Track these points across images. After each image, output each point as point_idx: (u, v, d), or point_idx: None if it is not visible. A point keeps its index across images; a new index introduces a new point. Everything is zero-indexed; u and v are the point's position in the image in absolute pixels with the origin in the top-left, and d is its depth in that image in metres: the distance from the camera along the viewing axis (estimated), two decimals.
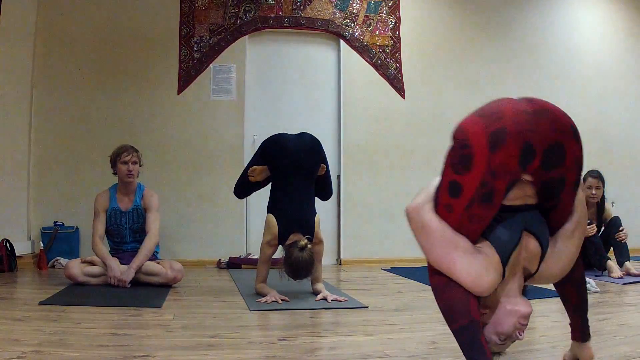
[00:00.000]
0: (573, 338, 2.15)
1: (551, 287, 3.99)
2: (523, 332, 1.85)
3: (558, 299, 3.66)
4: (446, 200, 1.78)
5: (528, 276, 1.91)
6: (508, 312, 1.83)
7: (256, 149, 4.02)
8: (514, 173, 1.74)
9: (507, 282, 1.83)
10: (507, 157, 1.70)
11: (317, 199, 3.95)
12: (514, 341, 1.91)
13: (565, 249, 1.89)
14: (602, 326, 2.85)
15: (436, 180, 1.86)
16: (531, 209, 1.85)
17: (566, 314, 2.45)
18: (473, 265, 1.75)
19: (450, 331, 1.78)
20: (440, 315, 2.06)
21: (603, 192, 4.85)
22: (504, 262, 1.79)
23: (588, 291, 3.81)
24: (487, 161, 1.69)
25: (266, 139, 3.94)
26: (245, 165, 3.96)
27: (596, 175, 4.83)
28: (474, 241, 1.80)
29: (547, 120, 1.76)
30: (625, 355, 2.28)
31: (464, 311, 1.74)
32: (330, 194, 4.07)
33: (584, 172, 4.85)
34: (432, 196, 1.84)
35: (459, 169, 1.74)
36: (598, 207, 4.88)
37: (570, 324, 2.15)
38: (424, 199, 1.85)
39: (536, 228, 1.84)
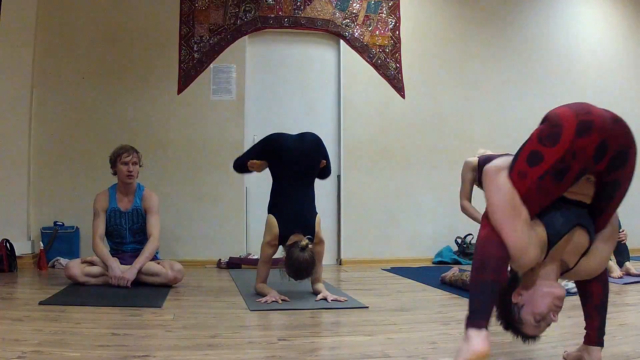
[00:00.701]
0: (587, 342, 2.16)
1: None
2: (557, 313, 1.99)
3: None
4: (523, 167, 1.93)
5: (565, 270, 2.06)
6: (545, 293, 1.98)
7: (256, 140, 4.01)
8: (588, 162, 1.92)
9: (546, 266, 2.00)
10: (588, 145, 1.89)
11: (316, 199, 3.95)
12: (549, 324, 2.02)
13: (602, 250, 2.07)
14: None
15: (505, 156, 2.06)
16: (585, 207, 2.04)
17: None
18: (525, 237, 1.90)
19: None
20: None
21: None
22: (552, 243, 1.96)
23: None
24: (572, 142, 1.88)
25: (268, 137, 3.92)
26: (246, 150, 3.92)
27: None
28: (532, 215, 1.95)
29: (622, 128, 1.96)
30: (625, 355, 2.28)
31: (495, 268, 1.88)
32: (329, 174, 4.06)
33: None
34: (508, 164, 1.98)
35: (545, 142, 1.92)
36: None
37: (587, 327, 2.18)
38: (502, 164, 2.00)
39: (589, 224, 2.02)
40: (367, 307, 3.35)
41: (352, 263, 5.58)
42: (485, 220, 1.97)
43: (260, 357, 2.31)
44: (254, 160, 3.89)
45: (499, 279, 1.88)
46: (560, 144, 1.89)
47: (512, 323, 2.08)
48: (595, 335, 2.15)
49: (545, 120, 1.99)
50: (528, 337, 2.08)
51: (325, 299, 3.53)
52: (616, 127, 1.95)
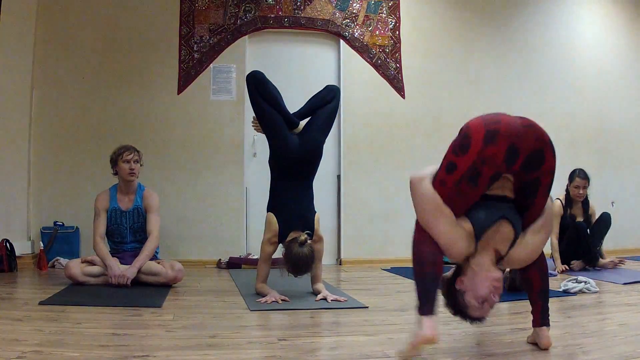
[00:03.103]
0: (533, 325, 2.41)
1: (550, 288, 3.99)
2: (497, 294, 2.24)
3: (557, 300, 3.68)
4: (442, 176, 2.23)
5: (499, 258, 2.29)
6: (484, 277, 2.24)
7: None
8: (500, 167, 2.19)
9: (480, 255, 2.26)
10: (496, 152, 2.15)
11: (316, 199, 3.95)
12: (492, 306, 2.27)
13: (532, 242, 2.31)
14: (602, 326, 2.85)
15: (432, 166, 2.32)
16: (509, 201, 2.28)
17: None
18: (451, 231, 2.21)
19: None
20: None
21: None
22: (477, 237, 2.23)
23: (588, 291, 3.82)
24: (480, 150, 2.15)
25: (275, 122, 3.79)
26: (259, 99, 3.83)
27: (583, 176, 5.05)
28: (457, 214, 2.22)
29: (532, 133, 2.21)
30: (625, 355, 2.27)
31: (431, 261, 2.20)
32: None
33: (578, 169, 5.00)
34: (432, 173, 2.28)
35: (457, 151, 2.20)
36: (583, 205, 5.11)
37: (532, 311, 2.42)
38: (425, 173, 2.29)
39: (513, 217, 2.26)
40: (367, 307, 3.35)
41: (352, 263, 5.58)
42: (417, 224, 2.29)
43: (260, 357, 2.31)
44: (258, 125, 3.94)
45: (435, 269, 2.20)
46: (470, 153, 2.16)
47: (459, 308, 2.34)
48: (539, 317, 2.39)
49: (460, 131, 2.25)
50: (475, 319, 2.33)
51: (325, 299, 3.53)
52: (526, 132, 2.19)
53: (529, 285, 2.43)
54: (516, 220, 2.27)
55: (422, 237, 2.25)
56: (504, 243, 2.27)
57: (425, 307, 2.16)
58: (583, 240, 4.87)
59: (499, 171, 2.20)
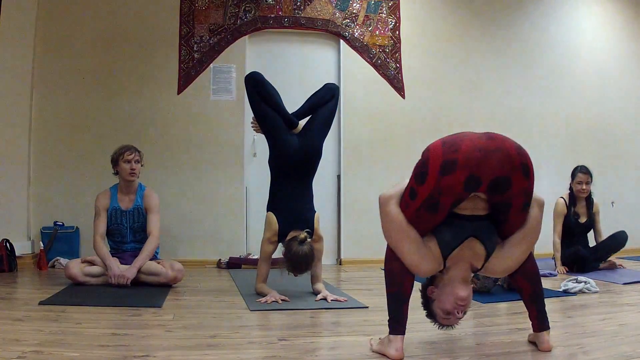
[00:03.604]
0: (534, 329, 2.43)
1: (550, 288, 4.00)
2: (461, 311, 2.29)
3: (557, 300, 3.68)
4: (407, 199, 2.24)
5: (475, 270, 2.32)
6: (449, 292, 2.29)
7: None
8: (459, 194, 2.17)
9: (452, 270, 2.29)
10: (454, 182, 2.13)
11: (316, 199, 3.95)
12: (459, 319, 2.34)
13: (510, 253, 2.30)
14: (602, 326, 2.85)
15: (407, 179, 2.31)
16: (482, 219, 2.26)
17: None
18: (416, 252, 2.24)
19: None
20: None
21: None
22: (445, 256, 2.25)
23: (588, 291, 3.82)
24: (437, 181, 2.14)
25: (275, 123, 3.80)
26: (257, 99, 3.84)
27: (585, 171, 5.03)
28: (423, 234, 2.25)
29: (497, 158, 2.13)
30: (625, 355, 2.27)
31: (397, 282, 2.28)
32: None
33: (579, 164, 5.05)
34: (400, 192, 2.29)
35: (417, 180, 2.21)
36: (587, 201, 5.09)
37: (529, 316, 2.44)
38: (394, 193, 2.30)
39: (483, 235, 2.25)
40: (367, 307, 3.35)
41: (352, 263, 5.58)
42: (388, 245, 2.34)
43: (260, 357, 2.31)
44: (257, 125, 3.94)
45: (402, 288, 2.28)
46: (427, 183, 2.16)
47: (429, 313, 2.41)
48: (536, 322, 2.41)
49: (422, 155, 2.25)
50: (442, 326, 2.40)
51: (325, 299, 3.53)
52: (489, 159, 2.12)
53: (519, 291, 2.44)
54: (487, 238, 2.26)
55: (391, 256, 2.31)
56: (477, 258, 2.28)
57: (395, 325, 2.29)
58: (584, 264, 4.82)
59: (459, 198, 2.18)
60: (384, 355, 2.29)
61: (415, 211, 2.21)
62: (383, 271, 2.36)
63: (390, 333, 2.30)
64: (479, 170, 2.12)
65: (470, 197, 2.20)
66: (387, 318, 2.32)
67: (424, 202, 2.18)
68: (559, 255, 4.98)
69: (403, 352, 2.26)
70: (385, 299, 2.35)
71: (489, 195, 2.19)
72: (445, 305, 2.29)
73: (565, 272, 4.83)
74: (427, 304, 2.40)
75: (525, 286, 2.39)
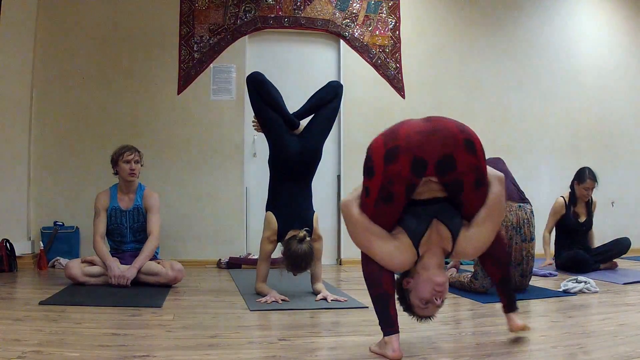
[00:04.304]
0: (504, 311, 2.57)
1: (550, 288, 4.00)
2: (440, 298, 2.28)
3: (557, 300, 3.68)
4: (363, 199, 2.28)
5: (447, 254, 2.33)
6: (425, 280, 2.27)
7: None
8: (409, 179, 2.19)
9: (425, 258, 2.28)
10: (400, 168, 2.17)
11: (316, 200, 3.95)
12: (438, 307, 2.32)
13: (477, 233, 2.29)
14: (602, 326, 2.85)
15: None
16: (442, 201, 2.28)
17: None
18: (386, 247, 2.25)
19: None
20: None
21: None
22: (416, 244, 2.26)
23: (588, 291, 3.82)
24: (383, 171, 2.18)
25: (274, 122, 3.79)
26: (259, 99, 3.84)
27: (594, 177, 5.06)
28: (388, 230, 2.27)
29: (437, 138, 2.19)
30: (625, 355, 2.28)
31: (377, 283, 2.28)
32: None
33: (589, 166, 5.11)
34: (358, 195, 2.32)
35: (366, 176, 2.25)
36: (587, 203, 5.14)
37: (500, 299, 2.58)
38: (352, 197, 2.34)
39: (445, 216, 2.27)
40: (367, 307, 3.33)
41: (352, 263, 5.57)
42: None
43: (260, 357, 2.31)
44: (258, 125, 3.93)
45: (383, 288, 2.28)
46: (375, 176, 2.21)
47: (407, 306, 2.38)
48: (506, 304, 2.55)
49: (366, 152, 2.28)
50: (422, 317, 2.38)
51: (325, 299, 3.53)
52: (430, 139, 2.18)
53: (490, 276, 2.57)
54: (449, 218, 2.27)
55: (366, 259, 2.32)
56: (446, 241, 2.28)
57: (387, 327, 2.29)
58: (584, 267, 4.81)
59: (411, 183, 2.20)
60: (383, 356, 2.29)
61: (374, 207, 2.24)
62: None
63: (384, 335, 2.29)
64: (422, 152, 2.17)
65: (424, 182, 2.22)
66: (379, 322, 2.31)
67: (378, 196, 2.21)
68: (548, 248, 5.04)
69: (401, 351, 2.25)
70: (373, 303, 2.34)
71: (439, 176, 2.21)
72: (423, 294, 2.27)
73: (550, 264, 4.90)
74: (404, 297, 2.37)
75: (494, 272, 2.51)
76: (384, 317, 2.29)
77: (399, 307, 2.37)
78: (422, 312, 2.34)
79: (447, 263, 5.51)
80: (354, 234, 2.31)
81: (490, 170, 2.34)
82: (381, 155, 2.19)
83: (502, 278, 2.52)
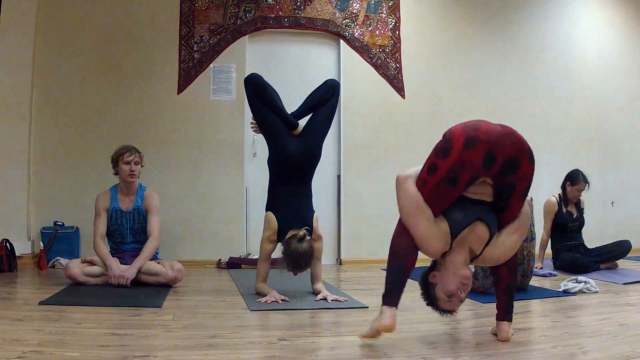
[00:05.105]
0: (497, 318, 2.57)
1: (550, 288, 4.00)
2: (465, 291, 2.39)
3: (557, 300, 3.68)
4: (424, 176, 2.39)
5: (473, 257, 2.45)
6: (452, 273, 2.39)
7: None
8: (477, 170, 2.34)
9: (454, 253, 2.41)
10: (475, 157, 2.32)
11: (316, 200, 3.95)
12: (461, 301, 2.43)
13: (507, 242, 2.45)
14: (602, 326, 2.85)
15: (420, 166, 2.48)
16: (487, 204, 2.43)
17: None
18: (429, 230, 2.36)
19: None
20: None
21: None
22: (453, 236, 2.39)
23: (588, 291, 3.82)
24: (460, 155, 2.33)
25: (274, 124, 3.78)
26: (250, 106, 3.85)
27: (586, 180, 5.12)
28: (436, 213, 2.38)
29: (510, 140, 2.36)
30: (625, 355, 2.27)
31: (403, 256, 2.39)
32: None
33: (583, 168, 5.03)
34: (417, 172, 2.45)
35: (439, 155, 2.38)
36: (576, 204, 5.20)
37: (497, 305, 2.57)
38: (411, 173, 2.46)
39: (488, 218, 2.42)
40: (367, 307, 3.34)
41: (352, 263, 5.59)
42: (399, 221, 2.44)
43: (260, 357, 2.31)
44: (257, 126, 3.94)
45: (406, 264, 2.38)
46: (450, 157, 2.34)
47: (431, 299, 2.50)
48: (502, 312, 2.55)
49: (443, 136, 2.43)
50: (445, 311, 2.49)
51: (325, 299, 3.53)
52: (504, 139, 2.34)
53: (497, 279, 2.58)
54: (492, 222, 2.42)
55: (401, 232, 2.42)
56: (479, 243, 2.42)
57: (389, 298, 2.39)
58: (583, 270, 4.81)
59: (476, 174, 2.35)
60: (375, 331, 2.39)
61: (434, 186, 2.36)
62: (388, 252, 2.45)
63: (383, 304, 2.39)
64: (496, 148, 2.32)
65: (479, 181, 2.37)
66: (383, 292, 2.42)
67: (445, 176, 2.33)
68: (543, 252, 5.06)
69: (396, 320, 2.36)
70: (386, 273, 2.44)
71: (498, 176, 2.36)
72: (449, 287, 2.39)
73: (540, 268, 4.89)
74: (428, 290, 2.49)
75: (505, 276, 2.55)
76: (393, 287, 2.40)
77: (422, 311, 2.48)
78: (446, 305, 2.44)
79: None
80: (404, 206, 2.41)
81: None
82: (462, 139, 2.33)
83: (509, 285, 2.56)
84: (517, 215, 2.46)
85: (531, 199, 4.03)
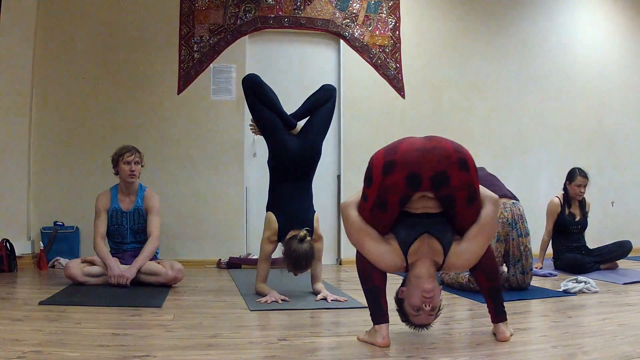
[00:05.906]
0: (492, 320, 2.60)
1: (550, 288, 4.00)
2: (429, 304, 2.39)
3: (557, 300, 3.68)
4: (361, 204, 2.49)
5: (439, 267, 2.46)
6: (415, 287, 2.41)
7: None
8: (404, 191, 2.37)
9: (416, 267, 2.43)
10: (397, 180, 2.35)
11: (316, 200, 3.95)
12: (431, 315, 2.42)
13: (468, 248, 2.46)
14: (602, 326, 2.85)
15: None
16: (436, 216, 2.44)
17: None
18: (376, 249, 2.45)
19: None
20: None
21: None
22: (404, 251, 2.42)
23: (588, 291, 3.82)
24: (381, 181, 2.38)
25: (272, 124, 3.79)
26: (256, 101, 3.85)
27: (584, 174, 5.08)
28: (382, 234, 2.46)
29: (434, 155, 2.36)
30: (625, 355, 2.27)
31: (369, 278, 2.49)
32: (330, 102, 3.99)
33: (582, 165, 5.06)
34: (357, 198, 2.53)
35: (365, 183, 2.46)
36: (580, 202, 5.14)
37: (488, 309, 2.61)
38: (352, 200, 2.55)
39: (436, 230, 2.42)
40: (367, 307, 3.34)
41: (352, 263, 5.53)
42: None
43: (260, 357, 2.31)
44: (256, 128, 3.96)
45: (373, 282, 2.48)
46: (373, 184, 2.40)
47: (404, 315, 2.50)
48: (493, 315, 2.59)
49: (368, 163, 2.48)
50: (417, 326, 2.49)
51: (325, 299, 3.53)
52: (426, 157, 2.35)
53: (479, 286, 2.62)
54: (441, 232, 2.42)
55: (359, 256, 2.52)
56: (435, 254, 2.43)
57: (376, 318, 2.48)
58: (584, 270, 4.79)
59: (405, 195, 2.38)
60: (372, 344, 2.45)
61: (369, 212, 2.44)
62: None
63: (374, 324, 2.47)
64: (417, 167, 2.35)
65: (419, 197, 2.40)
66: (370, 314, 2.50)
67: (374, 202, 2.41)
68: (543, 253, 5.05)
69: (389, 339, 2.43)
70: (365, 296, 2.53)
71: (434, 191, 2.38)
72: (414, 301, 2.40)
73: (540, 268, 4.88)
74: (400, 306, 2.50)
75: (482, 281, 2.58)
76: (375, 308, 2.49)
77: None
78: (416, 319, 2.45)
79: None
80: (350, 232, 2.52)
81: (485, 190, 2.52)
82: (380, 166, 2.38)
83: (492, 288, 2.57)
84: (474, 220, 2.45)
85: (517, 199, 4.05)
